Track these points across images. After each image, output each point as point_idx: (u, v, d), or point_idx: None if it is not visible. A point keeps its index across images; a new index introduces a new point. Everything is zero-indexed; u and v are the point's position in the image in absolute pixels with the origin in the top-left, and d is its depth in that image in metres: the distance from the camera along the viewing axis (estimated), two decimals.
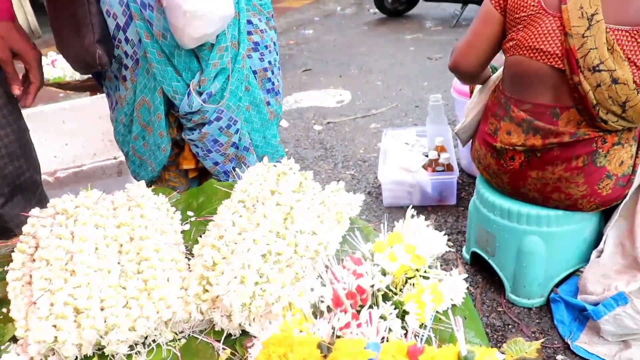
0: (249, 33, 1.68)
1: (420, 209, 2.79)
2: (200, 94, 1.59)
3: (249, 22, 1.68)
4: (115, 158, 2.27)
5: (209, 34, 1.49)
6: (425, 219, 1.19)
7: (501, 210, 2.10)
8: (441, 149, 2.89)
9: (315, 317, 1.02)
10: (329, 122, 4.00)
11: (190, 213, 1.35)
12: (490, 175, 2.13)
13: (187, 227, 1.32)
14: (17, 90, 1.38)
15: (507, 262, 2.17)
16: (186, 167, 1.78)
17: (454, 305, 1.09)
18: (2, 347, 1.02)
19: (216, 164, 1.72)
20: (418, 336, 0.98)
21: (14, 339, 1.09)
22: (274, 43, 1.76)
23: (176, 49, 1.55)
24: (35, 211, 1.29)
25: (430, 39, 5.89)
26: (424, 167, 2.85)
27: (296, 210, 1.15)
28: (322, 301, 1.02)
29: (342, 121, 4.01)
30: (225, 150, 1.70)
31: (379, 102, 4.34)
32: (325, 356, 0.81)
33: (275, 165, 1.25)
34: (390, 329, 0.99)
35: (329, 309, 1.03)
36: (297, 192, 1.19)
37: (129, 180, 2.32)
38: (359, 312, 1.01)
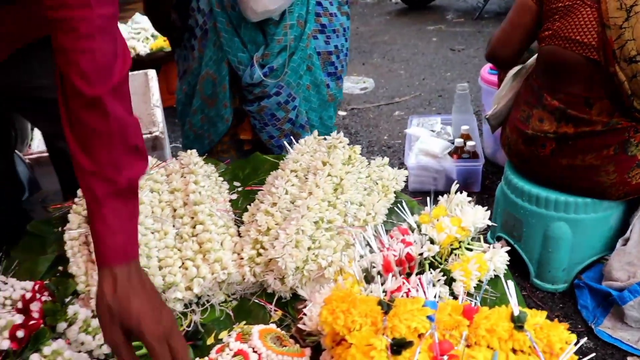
0: (318, 15, 1.73)
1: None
2: (262, 67, 1.65)
3: (319, 3, 1.72)
4: (150, 133, 2.32)
5: (271, 10, 1.55)
6: None
7: (529, 196, 2.13)
8: (467, 137, 2.91)
9: (367, 282, 1.07)
10: (353, 109, 4.03)
11: (236, 183, 1.40)
12: (520, 161, 2.16)
13: (234, 196, 1.36)
14: None
15: (533, 247, 2.20)
16: (243, 137, 1.84)
17: (496, 276, 1.13)
18: (67, 300, 1.07)
19: (271, 137, 1.77)
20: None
21: (76, 293, 1.14)
22: (344, 29, 1.80)
23: (243, 21, 1.61)
24: None
25: (453, 31, 5.88)
26: (450, 154, 2.88)
27: (346, 182, 1.19)
28: (373, 267, 1.07)
29: (366, 108, 4.04)
30: (282, 125, 1.75)
31: (402, 90, 4.36)
32: (385, 312, 0.85)
33: (325, 139, 1.30)
34: (439, 296, 1.03)
35: (379, 274, 1.07)
36: (346, 164, 1.24)
37: (163, 155, 2.38)
38: (408, 277, 1.05)
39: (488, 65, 2.95)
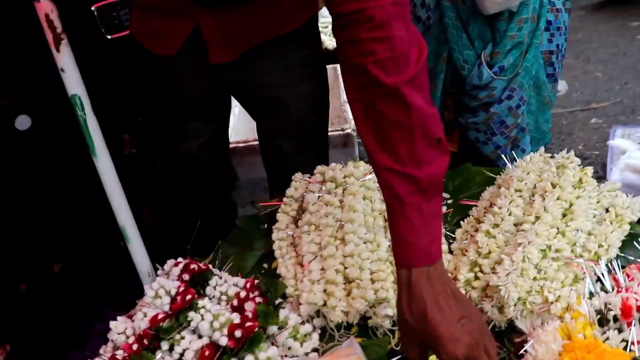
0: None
1: None
2: (490, 67, 1.56)
3: None
4: (342, 130, 2.34)
5: None
6: None
7: None
8: None
9: (599, 326, 0.95)
10: None
11: (445, 195, 1.34)
12: None
13: (443, 209, 1.30)
14: None
15: None
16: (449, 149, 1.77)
17: None
18: (277, 303, 1.09)
19: (498, 147, 1.68)
20: None
21: (283, 296, 1.15)
22: (566, 27, 1.67)
23: (473, 16, 1.53)
24: (298, 175, 1.36)
25: None
26: None
27: (576, 207, 1.08)
28: (609, 309, 0.95)
29: (559, 113, 3.76)
30: (510, 132, 1.65)
31: (600, 95, 4.00)
32: None
33: (552, 157, 1.19)
34: None
35: (615, 319, 0.95)
36: (577, 188, 1.12)
37: (353, 152, 2.39)
38: None
39: None
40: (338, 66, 3.06)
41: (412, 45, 0.85)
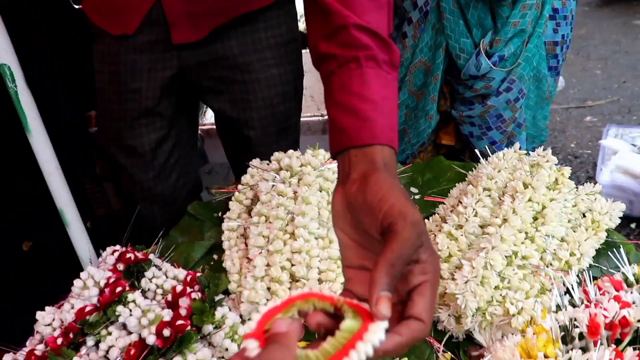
0: None
1: None
2: (489, 56, 1.46)
3: None
4: (322, 116, 2.24)
5: None
6: None
7: None
8: None
9: (563, 343, 0.86)
10: None
11: (413, 189, 1.24)
12: None
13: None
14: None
15: None
16: (445, 142, 1.67)
17: None
18: (216, 299, 0.99)
19: (493, 143, 1.58)
20: None
21: (226, 292, 1.06)
22: (572, 16, 1.56)
23: (473, 1, 1.42)
24: (255, 161, 1.26)
25: None
26: None
27: (549, 211, 0.98)
28: (575, 325, 0.85)
29: (553, 109, 3.65)
30: (507, 127, 1.55)
31: (597, 93, 3.90)
32: None
33: (528, 154, 1.08)
34: None
35: (580, 336, 0.86)
36: (551, 189, 1.02)
37: None
38: (617, 348, 0.83)
39: None
40: None
41: None
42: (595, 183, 1.12)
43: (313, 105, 2.39)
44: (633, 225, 2.47)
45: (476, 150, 1.60)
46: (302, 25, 3.65)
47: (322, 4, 0.74)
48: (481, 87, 1.49)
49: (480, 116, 1.53)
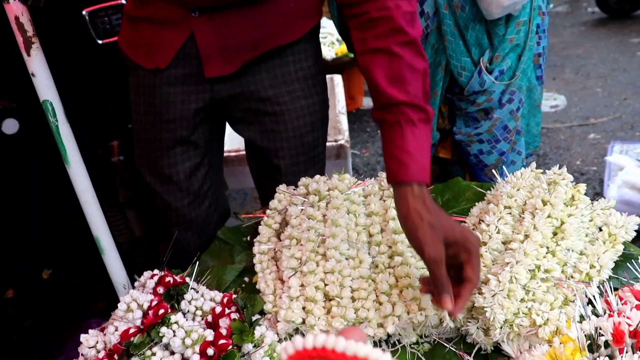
0: None
1: None
2: (489, 72, 1.56)
3: None
4: (336, 141, 2.29)
5: (518, 2, 1.45)
6: None
7: None
8: None
9: (589, 352, 0.90)
10: (542, 128, 3.75)
11: None
12: None
13: None
14: (449, 304, 0.88)
15: None
16: (442, 156, 1.74)
17: None
18: (254, 319, 1.04)
19: (502, 154, 1.66)
20: None
21: (261, 312, 1.11)
22: (547, 29, 1.68)
23: (471, 22, 1.52)
24: (283, 187, 1.31)
25: None
26: None
27: (568, 226, 1.03)
28: (600, 334, 0.90)
29: (557, 128, 3.73)
30: (512, 136, 1.65)
31: (599, 110, 3.96)
32: None
33: (544, 172, 1.14)
34: None
35: (606, 344, 0.91)
36: (569, 205, 1.07)
37: (346, 164, 2.34)
38: None
39: None
40: (333, 76, 3.02)
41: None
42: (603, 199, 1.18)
43: (330, 131, 2.44)
44: None
45: (486, 165, 1.66)
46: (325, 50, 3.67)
47: (371, 84, 1.03)
48: (483, 100, 1.58)
49: (488, 131, 1.60)
